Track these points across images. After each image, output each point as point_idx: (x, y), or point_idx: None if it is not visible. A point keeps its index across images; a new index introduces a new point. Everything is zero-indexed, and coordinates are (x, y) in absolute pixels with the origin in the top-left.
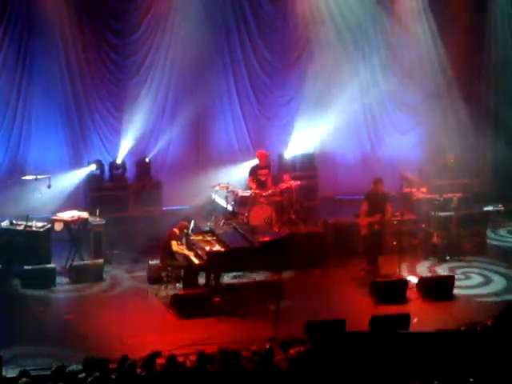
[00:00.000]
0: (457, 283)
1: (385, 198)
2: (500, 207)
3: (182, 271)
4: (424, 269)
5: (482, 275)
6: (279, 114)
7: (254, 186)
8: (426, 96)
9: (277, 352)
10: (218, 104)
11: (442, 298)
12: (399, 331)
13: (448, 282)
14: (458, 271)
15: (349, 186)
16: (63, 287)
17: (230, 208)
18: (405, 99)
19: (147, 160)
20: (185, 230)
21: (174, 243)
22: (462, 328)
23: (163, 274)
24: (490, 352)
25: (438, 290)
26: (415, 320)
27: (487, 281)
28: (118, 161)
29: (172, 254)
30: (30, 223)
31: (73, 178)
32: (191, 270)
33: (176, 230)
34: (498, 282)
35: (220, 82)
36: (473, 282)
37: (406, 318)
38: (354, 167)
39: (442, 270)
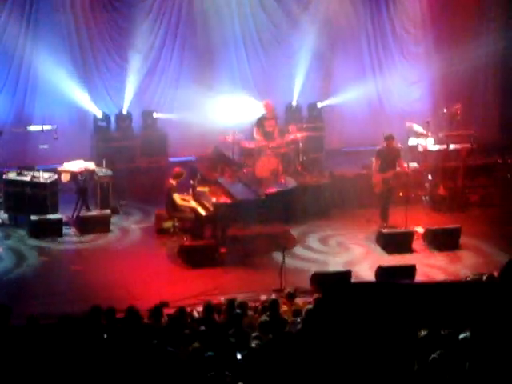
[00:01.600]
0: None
1: (397, 153)
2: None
3: (189, 222)
4: (431, 220)
5: None
6: (286, 64)
7: (260, 137)
8: (433, 45)
9: (283, 303)
10: (225, 53)
11: (448, 248)
12: (405, 282)
13: (454, 232)
14: None
15: (355, 138)
16: (70, 238)
17: (236, 159)
18: (412, 49)
19: (155, 116)
20: (190, 181)
21: (176, 197)
22: (468, 279)
23: (170, 225)
24: (496, 303)
25: (444, 240)
26: (420, 271)
27: None
28: (124, 111)
29: (176, 206)
30: (36, 174)
31: (79, 128)
32: (198, 221)
33: (172, 181)
34: None
35: (227, 32)
36: None
37: (411, 269)
38: (361, 119)
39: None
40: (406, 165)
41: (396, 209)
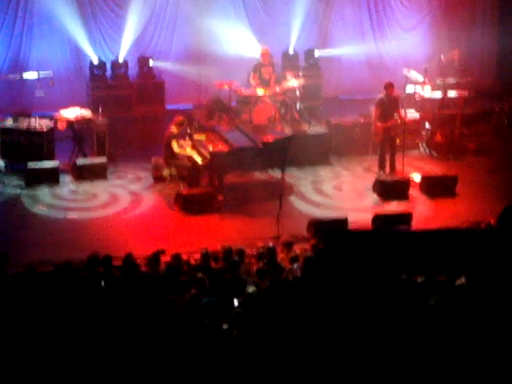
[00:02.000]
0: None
1: (397, 102)
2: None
3: (186, 170)
4: (428, 168)
5: None
6: (283, 11)
7: (256, 82)
8: None
9: (280, 250)
10: (221, 2)
11: (444, 196)
12: (402, 229)
13: (451, 180)
14: None
15: (352, 86)
16: (67, 185)
17: (233, 106)
18: None
19: (151, 63)
20: (186, 128)
21: (174, 144)
22: (465, 226)
23: (168, 173)
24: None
25: (440, 188)
26: (418, 216)
27: None
28: (120, 59)
29: (174, 154)
30: (32, 121)
31: (75, 75)
32: (195, 169)
33: (174, 129)
34: None
35: None
36: None
37: (408, 217)
38: (358, 67)
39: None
40: (403, 113)
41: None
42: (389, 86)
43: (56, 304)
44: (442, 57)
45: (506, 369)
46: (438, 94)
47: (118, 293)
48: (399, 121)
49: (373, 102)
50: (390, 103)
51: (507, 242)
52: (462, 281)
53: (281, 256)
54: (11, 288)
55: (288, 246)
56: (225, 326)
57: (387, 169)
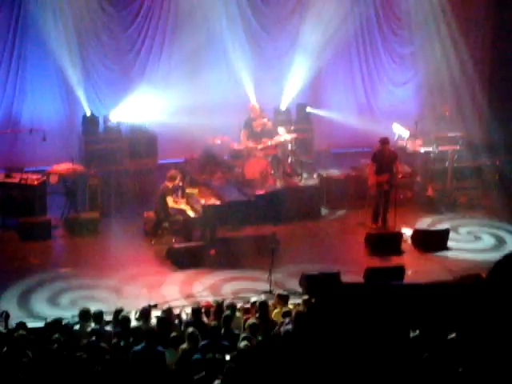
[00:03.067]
0: (466, 246)
1: (393, 157)
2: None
3: (178, 224)
4: (420, 223)
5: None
6: (274, 67)
7: (245, 139)
8: (421, 47)
9: (276, 304)
10: (213, 56)
11: (436, 250)
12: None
13: (442, 234)
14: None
15: (344, 140)
16: (59, 240)
17: (225, 161)
18: (399, 51)
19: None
20: (179, 182)
21: (169, 199)
22: (457, 280)
23: (158, 227)
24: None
25: (432, 242)
26: (409, 272)
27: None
28: (113, 114)
29: (167, 208)
30: (25, 176)
31: (67, 130)
32: (187, 223)
33: (168, 184)
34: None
35: (215, 34)
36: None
37: (400, 270)
38: (350, 121)
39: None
40: (400, 168)
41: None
42: (384, 142)
43: (47, 358)
44: (433, 111)
45: None
46: (429, 148)
47: (110, 348)
48: (393, 175)
49: (364, 156)
50: (386, 157)
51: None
52: (453, 335)
53: (276, 310)
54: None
55: (284, 299)
56: (217, 382)
57: (379, 222)
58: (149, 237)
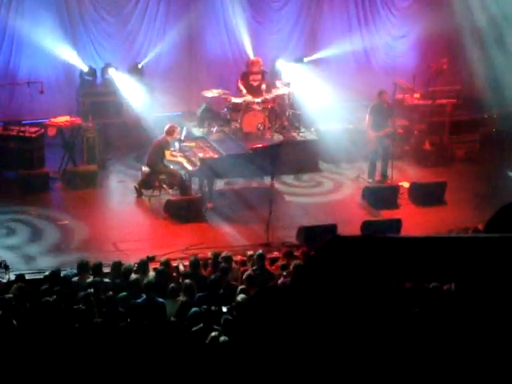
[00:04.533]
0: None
1: (390, 112)
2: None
3: (176, 177)
4: (416, 175)
5: None
6: (273, 19)
7: (243, 90)
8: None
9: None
10: (211, 10)
11: (433, 203)
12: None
13: (440, 187)
14: None
15: (342, 94)
16: (57, 192)
17: (222, 114)
18: (398, 3)
19: (139, 66)
20: (177, 136)
21: (167, 153)
22: (453, 233)
23: (156, 180)
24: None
25: (429, 195)
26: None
27: None
28: (110, 66)
29: (163, 161)
30: (22, 129)
31: (65, 83)
32: (184, 176)
33: (168, 138)
34: None
35: None
36: None
37: (397, 223)
38: (348, 74)
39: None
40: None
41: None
42: (382, 94)
43: (44, 311)
44: (431, 65)
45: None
46: (426, 102)
47: (108, 300)
48: (392, 129)
49: (361, 109)
50: (383, 111)
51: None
52: (450, 287)
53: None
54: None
55: (289, 255)
56: (214, 333)
57: (377, 176)
58: (147, 189)
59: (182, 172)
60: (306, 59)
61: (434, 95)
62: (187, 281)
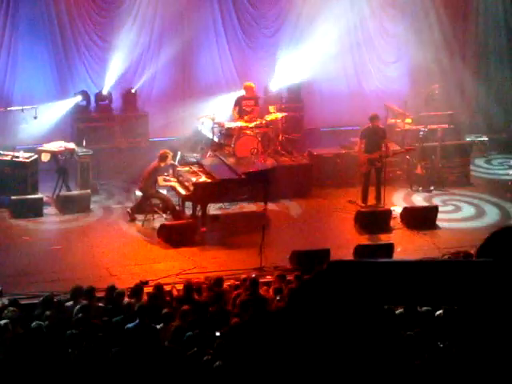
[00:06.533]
0: (448, 216)
1: (382, 134)
2: (484, 138)
3: (168, 202)
4: (409, 199)
5: (472, 205)
6: (265, 45)
7: (236, 115)
8: (411, 26)
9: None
10: (204, 35)
11: (425, 227)
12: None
13: (432, 211)
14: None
15: (334, 118)
16: (50, 218)
17: (216, 139)
18: (390, 30)
19: (133, 91)
20: (171, 161)
21: (160, 178)
22: (445, 257)
23: (149, 204)
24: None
25: (421, 219)
26: (399, 249)
27: (480, 212)
28: (104, 92)
29: (156, 186)
30: (16, 154)
31: (59, 108)
32: (178, 201)
33: (161, 163)
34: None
35: (206, 13)
36: (465, 214)
37: (389, 247)
38: (340, 99)
39: (427, 201)
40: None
41: (373, 187)
42: (374, 118)
43: (38, 335)
44: (422, 90)
45: None
46: (418, 127)
47: (102, 324)
48: (384, 152)
49: (354, 134)
50: (375, 135)
51: (485, 272)
52: (441, 312)
53: (272, 287)
54: None
55: (281, 278)
56: (207, 357)
57: (370, 200)
58: (137, 214)
59: (176, 198)
60: (298, 83)
61: (426, 120)
62: (183, 306)
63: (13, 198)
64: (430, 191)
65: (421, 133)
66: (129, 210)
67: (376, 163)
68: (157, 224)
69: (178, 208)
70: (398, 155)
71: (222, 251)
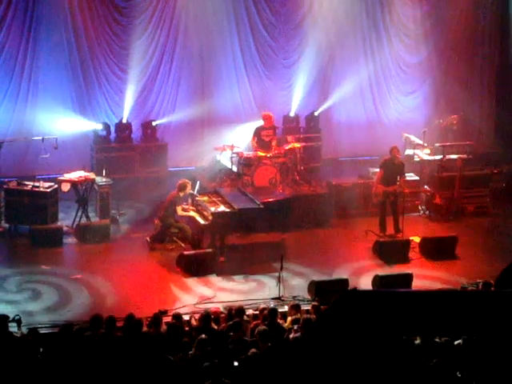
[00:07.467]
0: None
1: (401, 168)
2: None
3: (187, 232)
4: (427, 229)
5: None
6: (284, 76)
7: (255, 145)
8: (428, 57)
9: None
10: (223, 66)
11: (444, 257)
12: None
13: (450, 242)
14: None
15: (352, 148)
16: (70, 247)
17: (234, 169)
18: (408, 60)
19: (154, 124)
20: (189, 191)
21: (179, 208)
22: (463, 287)
23: (165, 234)
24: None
25: (440, 249)
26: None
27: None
28: (124, 121)
29: (175, 216)
30: (37, 184)
31: (79, 139)
32: (197, 231)
33: (180, 193)
34: None
35: (225, 44)
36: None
37: (408, 277)
38: (358, 129)
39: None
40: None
41: (392, 217)
42: (394, 150)
43: (59, 365)
44: (441, 121)
45: None
46: (436, 157)
47: (120, 354)
48: (399, 188)
49: (372, 164)
50: (394, 167)
51: (505, 303)
52: (460, 342)
53: (289, 319)
54: (15, 349)
55: (296, 308)
56: None
57: (388, 230)
58: (156, 243)
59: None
60: (316, 113)
61: (444, 151)
62: (201, 335)
63: (33, 227)
64: (449, 221)
65: (439, 163)
66: (148, 239)
67: (390, 197)
68: (176, 253)
69: (196, 237)
70: (412, 192)
71: (240, 281)
